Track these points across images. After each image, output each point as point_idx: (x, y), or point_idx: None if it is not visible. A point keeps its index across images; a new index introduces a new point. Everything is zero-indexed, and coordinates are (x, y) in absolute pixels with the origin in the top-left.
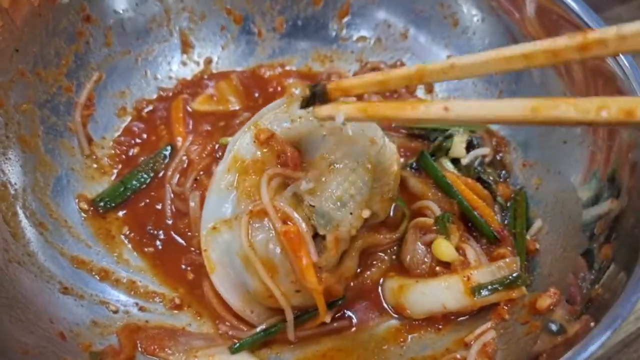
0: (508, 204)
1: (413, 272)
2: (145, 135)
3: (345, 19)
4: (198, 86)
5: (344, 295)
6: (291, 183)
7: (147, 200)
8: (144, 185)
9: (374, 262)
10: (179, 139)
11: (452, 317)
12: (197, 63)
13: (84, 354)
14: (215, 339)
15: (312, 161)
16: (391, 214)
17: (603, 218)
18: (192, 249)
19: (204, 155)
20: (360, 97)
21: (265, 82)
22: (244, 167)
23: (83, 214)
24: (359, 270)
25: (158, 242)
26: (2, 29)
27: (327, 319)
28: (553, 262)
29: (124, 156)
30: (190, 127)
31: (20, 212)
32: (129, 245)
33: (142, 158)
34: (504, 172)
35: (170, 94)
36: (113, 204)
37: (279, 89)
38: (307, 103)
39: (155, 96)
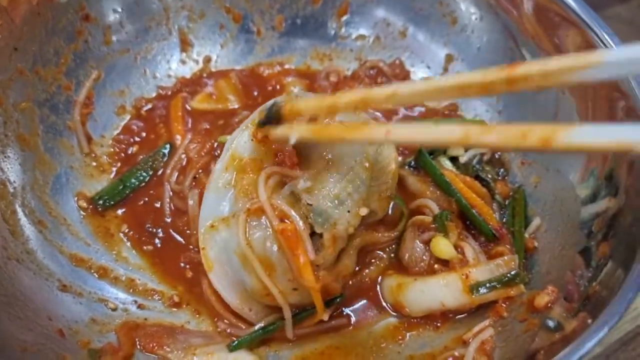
0: (506, 202)
1: (411, 270)
2: (144, 134)
3: (344, 18)
4: (197, 85)
5: (342, 294)
6: (289, 181)
7: (146, 199)
8: (143, 184)
9: (373, 260)
10: (178, 137)
11: (451, 315)
12: (196, 61)
13: (82, 352)
14: (213, 336)
15: (310, 159)
16: (389, 212)
17: (601, 216)
18: (191, 247)
19: (203, 154)
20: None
21: (264, 80)
22: (242, 166)
23: (82, 212)
24: (357, 268)
25: (157, 240)
26: (1, 28)
27: (325, 317)
28: (551, 260)
29: (123, 154)
30: (189, 125)
31: (19, 210)
32: (128, 243)
33: (141, 156)
34: (502, 170)
35: (169, 92)
36: (112, 202)
37: (278, 87)
38: (263, 124)
39: (154, 95)
